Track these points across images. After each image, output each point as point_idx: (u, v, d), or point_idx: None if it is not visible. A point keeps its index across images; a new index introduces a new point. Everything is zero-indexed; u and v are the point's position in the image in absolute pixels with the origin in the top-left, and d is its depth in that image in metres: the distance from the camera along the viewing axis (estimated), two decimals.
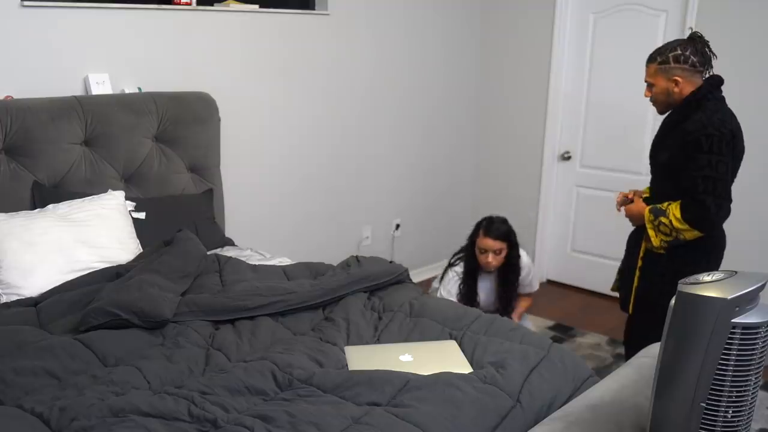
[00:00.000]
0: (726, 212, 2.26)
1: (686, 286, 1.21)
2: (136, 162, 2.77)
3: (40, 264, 2.26)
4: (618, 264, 2.73)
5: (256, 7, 3.25)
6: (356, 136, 3.90)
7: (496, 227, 2.95)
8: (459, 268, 3.08)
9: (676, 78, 2.29)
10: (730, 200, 2.27)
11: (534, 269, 3.13)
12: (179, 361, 1.81)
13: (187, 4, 3.00)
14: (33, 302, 2.16)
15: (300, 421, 1.49)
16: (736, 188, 3.54)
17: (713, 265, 2.41)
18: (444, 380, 1.68)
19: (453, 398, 1.61)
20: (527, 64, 4.30)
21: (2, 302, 2.19)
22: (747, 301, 1.17)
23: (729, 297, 1.15)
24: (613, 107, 4.00)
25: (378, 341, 2.03)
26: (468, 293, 3.02)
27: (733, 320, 1.16)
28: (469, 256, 3.02)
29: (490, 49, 4.47)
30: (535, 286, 3.13)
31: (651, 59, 2.34)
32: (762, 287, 1.19)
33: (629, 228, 2.59)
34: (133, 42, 2.85)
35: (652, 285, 2.45)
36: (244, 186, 3.39)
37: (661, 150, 2.40)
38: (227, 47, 3.18)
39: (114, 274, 2.31)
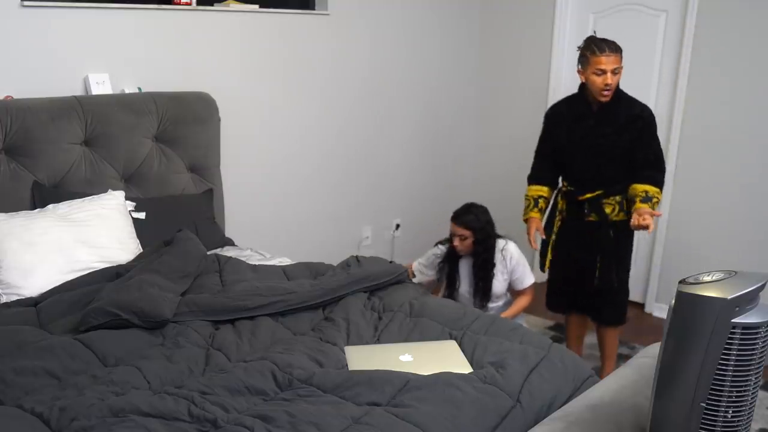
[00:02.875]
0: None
1: (686, 286, 1.21)
2: (136, 162, 2.77)
3: (40, 264, 2.26)
4: None
5: (256, 7, 3.25)
6: (356, 135, 3.90)
7: (464, 215, 3.02)
8: (444, 248, 3.15)
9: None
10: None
11: (525, 265, 3.10)
12: (179, 361, 1.81)
13: (187, 4, 3.00)
14: (33, 302, 2.16)
15: (300, 421, 1.49)
16: (735, 188, 3.56)
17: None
18: (444, 380, 1.68)
19: (453, 398, 1.61)
20: (527, 64, 4.30)
21: (2, 302, 2.19)
22: (747, 301, 1.17)
23: (729, 297, 1.15)
24: None
25: (378, 341, 2.03)
26: (449, 275, 3.11)
27: (733, 320, 1.16)
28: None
29: (490, 49, 4.46)
30: (527, 282, 3.10)
31: (619, 49, 2.61)
32: (762, 287, 1.19)
33: None
34: (133, 42, 2.85)
35: (621, 246, 2.85)
36: (244, 186, 3.39)
37: (608, 134, 2.70)
38: (227, 47, 3.18)
39: (114, 274, 2.31)
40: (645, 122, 2.67)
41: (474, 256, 3.04)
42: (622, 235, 2.81)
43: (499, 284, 3.06)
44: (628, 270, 2.91)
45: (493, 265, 3.03)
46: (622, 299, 2.94)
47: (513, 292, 3.18)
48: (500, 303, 3.13)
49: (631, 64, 3.88)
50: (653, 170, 2.69)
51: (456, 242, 3.03)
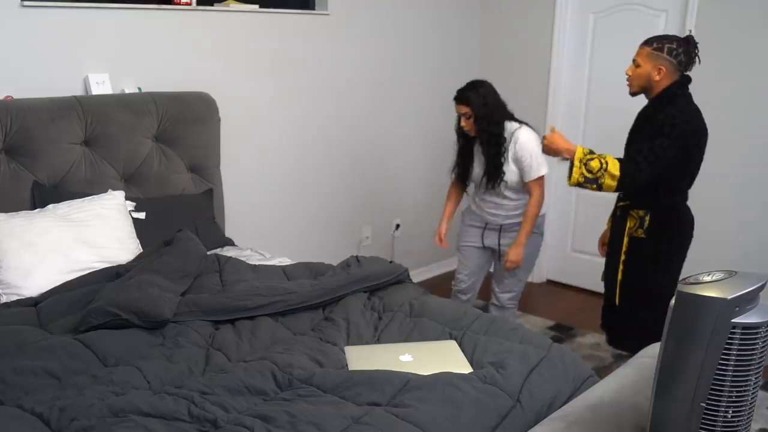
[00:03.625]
0: (641, 182, 2.41)
1: (686, 286, 1.21)
2: (136, 162, 2.78)
3: (40, 264, 2.26)
4: None
5: (256, 7, 3.25)
6: (356, 135, 3.90)
7: (463, 92, 2.88)
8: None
9: (661, 67, 2.43)
10: (650, 177, 2.40)
11: (534, 155, 2.84)
12: (179, 361, 1.81)
13: (187, 4, 3.00)
14: (33, 302, 2.16)
15: (300, 421, 1.49)
16: (735, 188, 3.56)
17: (686, 242, 2.59)
18: (444, 380, 1.68)
19: (453, 398, 1.61)
20: (527, 64, 4.30)
21: (2, 302, 2.20)
22: (747, 301, 1.17)
23: (729, 297, 1.15)
24: (613, 107, 4.00)
25: (378, 341, 2.04)
26: (459, 156, 3.07)
27: (733, 320, 1.16)
28: None
29: (490, 49, 4.46)
30: (538, 172, 2.87)
31: (647, 42, 2.48)
32: (762, 287, 1.19)
33: None
34: (133, 42, 2.85)
35: (640, 271, 2.57)
36: (244, 186, 3.39)
37: (634, 142, 2.52)
38: (227, 47, 3.18)
39: (114, 274, 2.31)
40: (659, 125, 2.39)
41: (480, 135, 2.89)
42: (637, 256, 2.57)
43: (510, 171, 2.89)
44: (647, 301, 2.56)
45: (503, 147, 2.87)
46: (635, 331, 2.62)
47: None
48: (520, 200, 2.98)
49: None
50: (630, 160, 2.42)
51: (462, 122, 2.91)
